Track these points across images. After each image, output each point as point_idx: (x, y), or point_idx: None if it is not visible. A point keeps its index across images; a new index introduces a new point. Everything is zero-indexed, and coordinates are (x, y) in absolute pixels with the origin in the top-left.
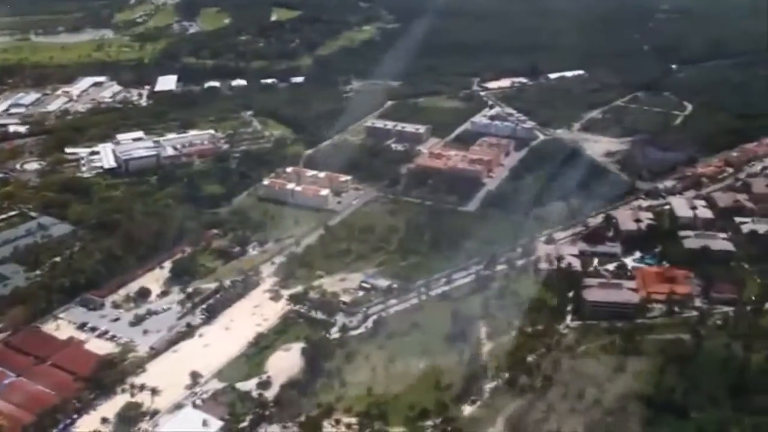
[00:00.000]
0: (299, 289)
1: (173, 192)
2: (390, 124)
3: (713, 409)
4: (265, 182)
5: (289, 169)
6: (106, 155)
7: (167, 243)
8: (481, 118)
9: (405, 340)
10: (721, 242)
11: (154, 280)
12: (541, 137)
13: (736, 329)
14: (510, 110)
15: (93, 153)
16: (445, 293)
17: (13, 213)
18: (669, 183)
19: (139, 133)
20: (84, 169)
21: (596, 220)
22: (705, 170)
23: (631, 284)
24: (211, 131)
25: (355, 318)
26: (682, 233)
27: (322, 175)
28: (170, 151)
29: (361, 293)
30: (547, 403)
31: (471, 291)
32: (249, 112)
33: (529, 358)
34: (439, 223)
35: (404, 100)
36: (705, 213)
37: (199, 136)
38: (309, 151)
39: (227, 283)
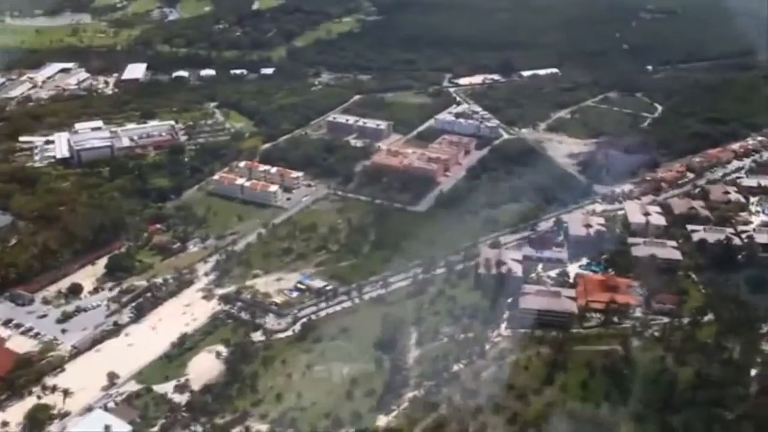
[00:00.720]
0: (232, 288)
1: (122, 184)
2: (352, 119)
3: (639, 425)
4: (216, 177)
5: (241, 164)
6: (60, 145)
7: (107, 237)
8: (445, 115)
9: (331, 344)
10: (669, 250)
11: (88, 275)
12: (505, 136)
13: (670, 342)
14: (477, 108)
15: (48, 142)
16: (380, 297)
17: None
18: (627, 187)
19: (98, 123)
20: (36, 158)
21: (548, 224)
22: (665, 175)
23: (571, 292)
24: (172, 122)
25: (285, 320)
26: (632, 240)
27: (273, 170)
28: (126, 142)
29: (295, 294)
30: (466, 416)
31: (406, 295)
32: (213, 104)
33: (455, 368)
34: (385, 224)
35: (372, 95)
36: (658, 220)
37: (158, 127)
38: (266, 146)
39: (160, 280)
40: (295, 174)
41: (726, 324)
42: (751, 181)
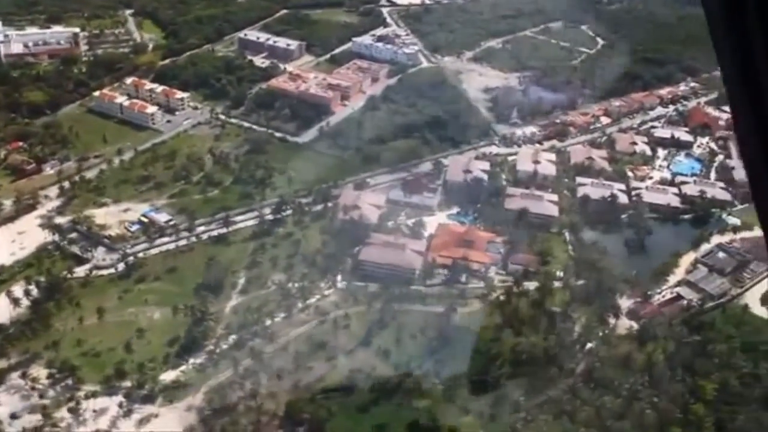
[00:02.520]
0: (70, 217)
1: None
2: (264, 37)
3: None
4: (96, 93)
5: (128, 81)
6: None
7: None
8: (365, 38)
9: (153, 286)
10: (545, 205)
11: None
12: (423, 65)
13: (515, 309)
14: (402, 32)
15: None
16: (222, 236)
17: None
18: (531, 130)
19: None
20: None
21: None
22: (576, 119)
23: (420, 245)
24: (77, 29)
25: (113, 256)
26: (510, 191)
27: (159, 89)
28: (16, 48)
29: (135, 228)
30: (260, 375)
31: (250, 236)
32: (129, 11)
33: (268, 321)
34: (258, 154)
35: (297, 11)
36: (548, 169)
37: (58, 34)
38: (165, 62)
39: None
40: (180, 95)
41: (577, 292)
42: (664, 132)
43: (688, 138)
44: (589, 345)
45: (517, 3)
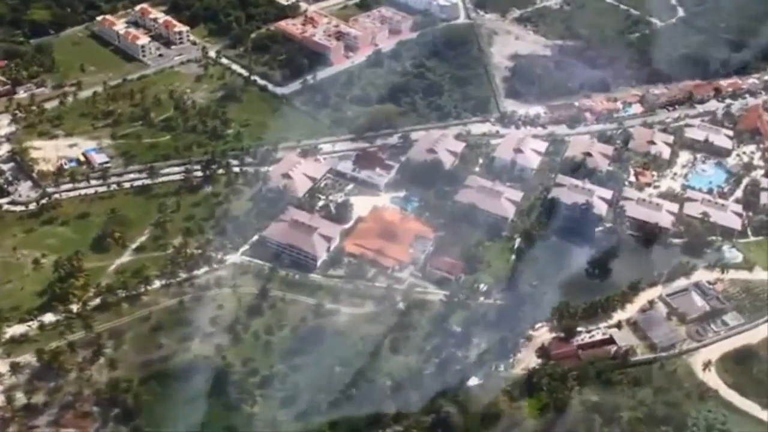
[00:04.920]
0: (16, 146)
1: None
2: None
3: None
4: (99, 18)
5: (137, 8)
6: None
7: None
8: None
9: (57, 230)
10: (500, 203)
11: None
12: (459, 20)
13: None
14: None
15: None
16: (147, 186)
17: None
18: (539, 110)
19: None
20: None
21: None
22: (597, 103)
23: (333, 230)
24: None
25: (35, 192)
26: (470, 180)
27: (162, 20)
28: None
29: (69, 165)
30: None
31: (174, 191)
32: None
33: (142, 288)
34: (229, 102)
35: None
36: (529, 160)
37: None
38: None
39: None
40: (180, 28)
41: (492, 312)
42: (698, 133)
43: (727, 144)
44: (469, 381)
45: None
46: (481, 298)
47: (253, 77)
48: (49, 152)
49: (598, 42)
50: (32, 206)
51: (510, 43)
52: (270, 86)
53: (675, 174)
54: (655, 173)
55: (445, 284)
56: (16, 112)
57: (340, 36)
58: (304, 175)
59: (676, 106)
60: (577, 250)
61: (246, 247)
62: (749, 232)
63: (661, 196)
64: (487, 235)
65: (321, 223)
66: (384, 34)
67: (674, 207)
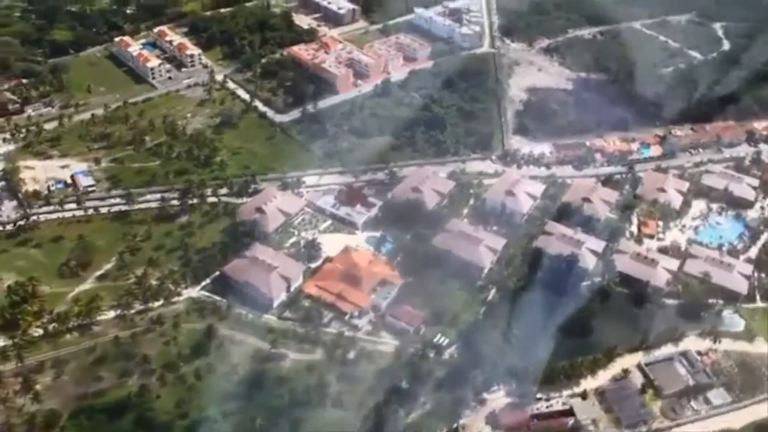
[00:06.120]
0: (8, 166)
1: (21, 29)
2: None
3: None
4: (117, 39)
5: (156, 30)
6: None
7: None
8: (428, 12)
9: (29, 252)
10: (479, 251)
11: None
12: (481, 49)
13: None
14: (477, 6)
15: None
16: (125, 213)
17: None
18: (545, 149)
19: None
20: None
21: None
22: (607, 145)
23: (295, 270)
24: None
25: (16, 214)
26: (451, 224)
27: (177, 42)
28: None
29: (56, 187)
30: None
31: (151, 218)
32: None
33: (97, 317)
34: (225, 129)
35: None
36: (520, 204)
37: None
38: (208, 13)
39: None
40: (192, 51)
41: (447, 369)
42: (718, 181)
43: (749, 195)
44: None
45: None
46: (432, 354)
47: (254, 103)
48: (39, 173)
49: (626, 76)
50: (10, 227)
51: (531, 74)
52: (270, 113)
53: (684, 226)
54: (660, 224)
55: (403, 335)
56: (14, 132)
57: (350, 63)
58: (278, 209)
59: (700, 150)
60: (556, 307)
61: (207, 281)
62: (757, 297)
63: (663, 250)
64: (459, 285)
65: (284, 261)
66: (398, 62)
67: (674, 264)
